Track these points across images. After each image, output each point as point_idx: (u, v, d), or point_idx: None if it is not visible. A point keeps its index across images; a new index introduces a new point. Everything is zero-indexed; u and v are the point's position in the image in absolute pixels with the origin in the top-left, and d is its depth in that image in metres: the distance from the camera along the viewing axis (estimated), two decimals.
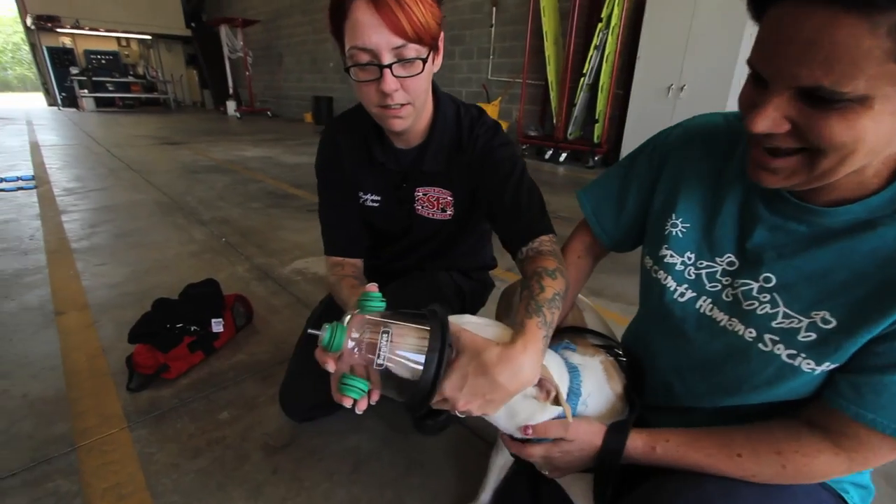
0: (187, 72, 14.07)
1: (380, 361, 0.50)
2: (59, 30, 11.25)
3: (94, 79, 11.09)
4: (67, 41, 11.71)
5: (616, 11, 4.29)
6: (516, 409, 0.56)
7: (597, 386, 0.60)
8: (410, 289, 1.03)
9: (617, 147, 4.77)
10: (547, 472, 0.63)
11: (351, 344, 0.51)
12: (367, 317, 0.53)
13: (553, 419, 0.57)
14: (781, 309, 0.49)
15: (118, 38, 12.60)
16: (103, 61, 11.82)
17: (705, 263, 0.57)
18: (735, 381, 0.53)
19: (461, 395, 0.52)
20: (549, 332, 0.58)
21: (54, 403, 1.15)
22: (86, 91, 10.87)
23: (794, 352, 0.48)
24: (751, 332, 0.51)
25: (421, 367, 0.50)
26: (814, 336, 0.47)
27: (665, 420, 0.59)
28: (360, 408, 0.53)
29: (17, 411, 1.12)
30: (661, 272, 0.61)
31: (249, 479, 0.96)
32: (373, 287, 0.57)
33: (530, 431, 0.57)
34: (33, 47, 11.48)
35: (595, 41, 4.49)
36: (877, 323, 0.42)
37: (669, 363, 0.62)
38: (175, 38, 13.18)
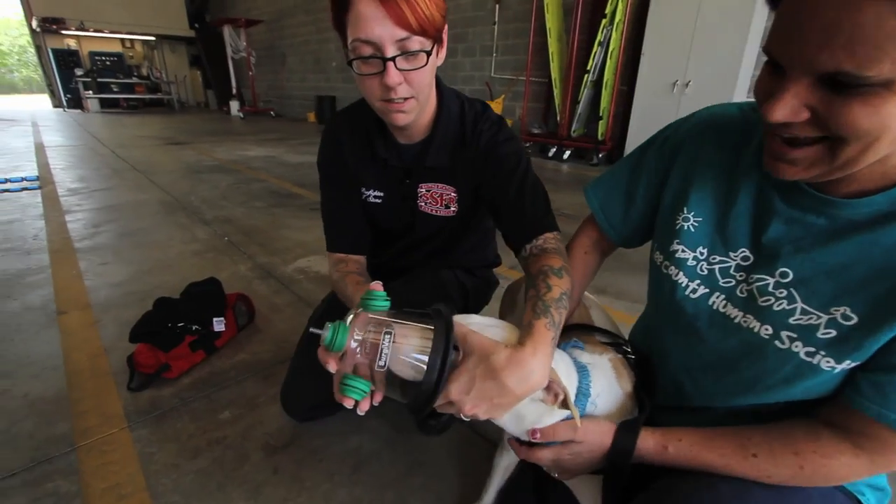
0: (191, 72, 14.12)
1: (381, 363, 0.49)
2: (63, 32, 11.31)
3: (99, 80, 11.15)
4: (72, 43, 11.78)
5: (620, 7, 4.26)
6: (523, 413, 0.55)
7: (606, 385, 0.59)
8: (414, 286, 1.01)
9: (621, 144, 4.74)
10: (556, 475, 0.61)
11: (353, 343, 0.50)
12: (371, 316, 0.51)
13: (561, 421, 0.56)
14: (799, 305, 0.47)
15: (122, 40, 12.66)
16: (108, 63, 11.86)
17: (718, 258, 0.55)
18: (749, 380, 0.52)
19: (468, 399, 0.50)
20: (557, 333, 0.56)
21: (55, 403, 1.15)
22: (90, 92, 10.93)
23: (812, 349, 0.46)
24: (767, 329, 0.49)
25: (424, 369, 0.48)
26: (834, 333, 0.45)
27: (674, 420, 0.57)
28: (362, 409, 0.52)
29: (17, 411, 1.12)
30: (672, 268, 0.59)
31: (249, 479, 0.95)
32: (377, 285, 0.55)
33: (538, 435, 0.56)
34: (38, 49, 11.55)
35: (599, 37, 4.45)
36: None
37: (679, 362, 0.60)
38: (179, 38, 13.22)
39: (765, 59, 0.40)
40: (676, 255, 0.58)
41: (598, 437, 0.55)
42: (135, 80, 11.99)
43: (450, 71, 6.50)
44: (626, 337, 0.76)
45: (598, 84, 4.72)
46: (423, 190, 0.91)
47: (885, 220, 0.43)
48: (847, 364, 0.44)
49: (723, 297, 0.54)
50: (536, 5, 4.87)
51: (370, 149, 0.89)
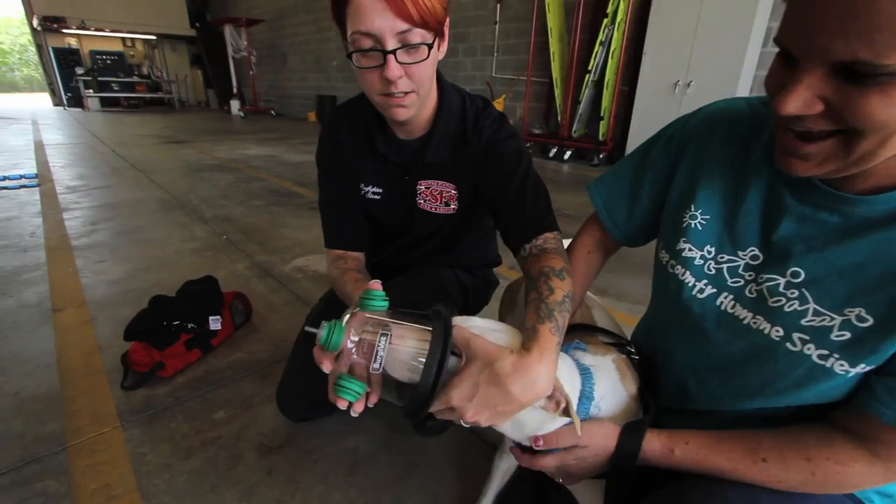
0: (192, 71, 14.11)
1: (376, 364, 0.47)
2: (64, 30, 11.29)
3: (100, 79, 11.13)
4: (73, 42, 11.76)
5: (622, 7, 4.24)
6: (523, 421, 0.53)
7: (610, 387, 0.57)
8: (413, 285, 1.00)
9: (622, 144, 4.72)
10: (561, 480, 0.59)
11: (349, 343, 0.48)
12: (368, 315, 0.50)
13: (563, 427, 0.54)
14: (811, 306, 0.45)
15: (123, 39, 12.64)
16: (108, 61, 11.84)
17: (727, 257, 0.53)
18: (759, 383, 0.50)
19: (470, 406, 0.49)
20: (561, 338, 0.55)
21: (47, 401, 1.13)
22: (91, 91, 10.92)
23: (825, 352, 0.44)
24: (777, 331, 0.47)
25: (420, 371, 0.47)
26: (848, 335, 0.43)
27: (678, 424, 0.56)
28: (356, 410, 0.50)
29: (7, 409, 1.10)
30: (679, 267, 0.57)
31: (243, 480, 0.93)
32: (376, 285, 0.54)
33: (541, 443, 0.54)
34: (39, 48, 11.53)
35: (600, 37, 4.44)
36: None
37: (685, 363, 0.58)
38: (179, 38, 13.20)
39: (768, 59, 0.39)
40: (683, 254, 0.56)
41: (603, 440, 0.54)
42: (135, 79, 11.98)
43: (451, 70, 6.49)
44: (630, 338, 0.74)
45: (599, 84, 4.70)
46: (422, 187, 0.90)
47: None
48: (862, 367, 0.43)
49: (731, 297, 0.52)
50: (538, 5, 4.86)
51: (370, 144, 0.87)
